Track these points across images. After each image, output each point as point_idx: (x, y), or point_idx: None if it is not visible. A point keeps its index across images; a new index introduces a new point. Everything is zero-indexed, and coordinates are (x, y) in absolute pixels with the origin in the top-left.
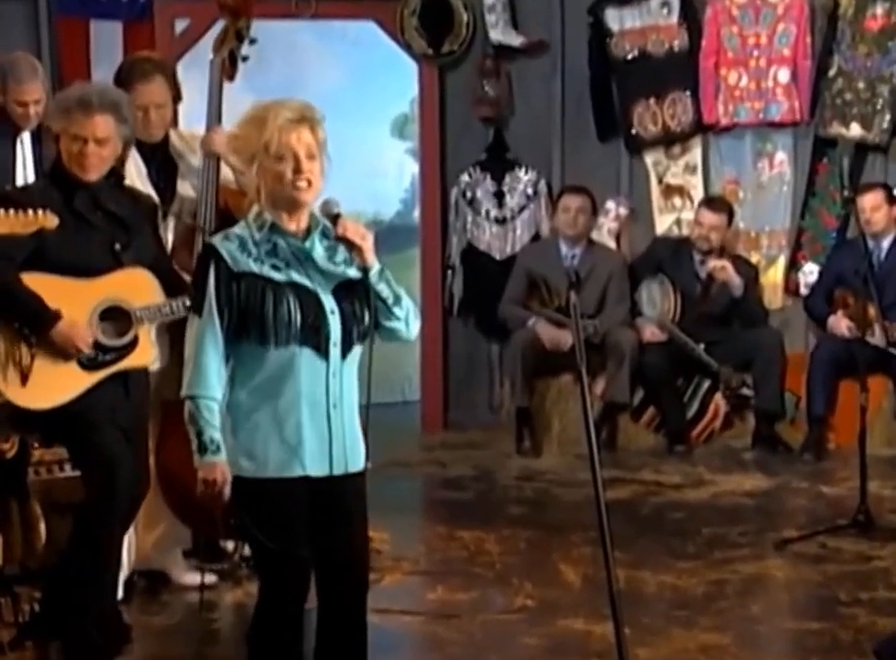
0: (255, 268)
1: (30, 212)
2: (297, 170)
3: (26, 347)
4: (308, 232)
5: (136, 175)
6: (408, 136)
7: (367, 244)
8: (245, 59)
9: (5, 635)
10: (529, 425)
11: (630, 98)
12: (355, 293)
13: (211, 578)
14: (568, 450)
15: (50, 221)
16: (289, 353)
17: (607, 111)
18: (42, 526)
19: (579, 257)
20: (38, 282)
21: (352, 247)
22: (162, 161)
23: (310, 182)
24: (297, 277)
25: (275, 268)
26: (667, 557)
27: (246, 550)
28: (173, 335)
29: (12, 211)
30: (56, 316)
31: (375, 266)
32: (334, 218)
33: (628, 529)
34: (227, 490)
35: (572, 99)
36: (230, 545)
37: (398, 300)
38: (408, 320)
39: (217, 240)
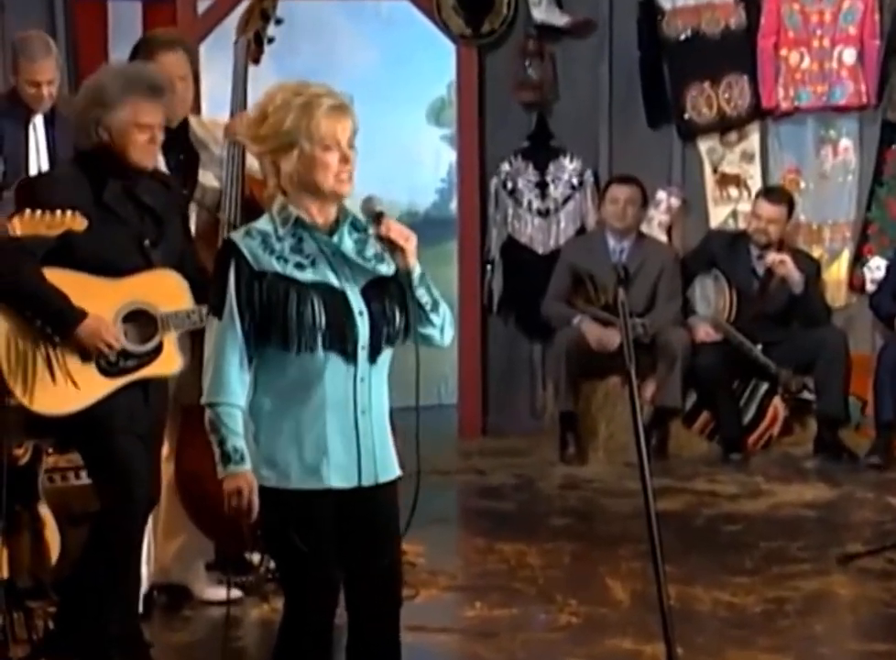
0: (278, 267)
1: (58, 212)
2: (344, 161)
3: (48, 349)
4: (335, 225)
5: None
6: (444, 122)
7: (411, 246)
8: (271, 40)
9: (19, 653)
10: (573, 431)
11: (683, 81)
12: (385, 292)
13: (235, 593)
14: (615, 458)
15: (79, 223)
16: (313, 358)
17: (658, 95)
18: (56, 537)
19: (628, 251)
20: (59, 279)
21: (394, 248)
22: (182, 150)
23: (350, 174)
24: (323, 276)
25: (299, 266)
26: (722, 573)
27: (272, 563)
28: (194, 336)
29: (39, 211)
30: (81, 314)
31: (416, 269)
32: (377, 216)
33: (679, 542)
34: (255, 501)
35: (620, 82)
36: (255, 558)
37: (436, 305)
38: (443, 327)
39: (238, 236)
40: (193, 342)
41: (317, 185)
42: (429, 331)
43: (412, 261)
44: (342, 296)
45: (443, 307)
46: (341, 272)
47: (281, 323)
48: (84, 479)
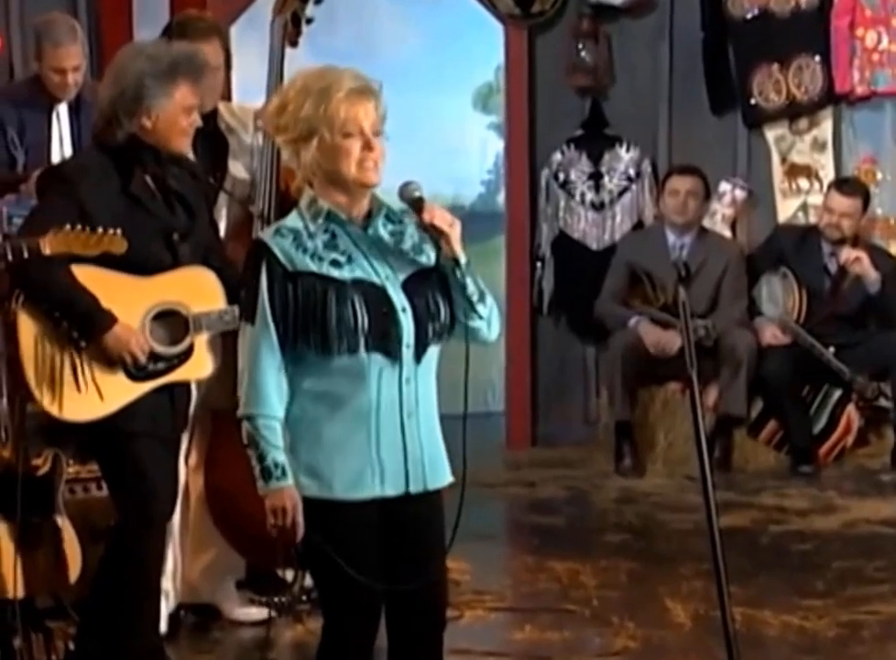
0: (313, 266)
1: (99, 230)
2: (367, 148)
3: (74, 353)
4: (368, 217)
5: None
6: (492, 108)
7: (456, 232)
8: (309, 21)
9: None
10: (629, 441)
11: (749, 64)
12: (428, 285)
13: (266, 613)
14: (675, 470)
15: (118, 245)
16: (355, 360)
17: (723, 79)
18: (77, 553)
19: (689, 247)
20: (88, 277)
21: (439, 235)
22: (211, 138)
23: (376, 162)
24: (361, 272)
25: (335, 264)
26: (791, 595)
27: (308, 580)
28: (226, 335)
29: (79, 227)
30: (111, 319)
31: (462, 257)
32: (417, 203)
33: (745, 561)
34: (300, 519)
35: (681, 65)
36: (289, 575)
37: (482, 296)
38: (490, 320)
39: (268, 236)
40: (225, 342)
41: (340, 175)
42: (476, 324)
43: (458, 248)
44: (382, 293)
45: (490, 299)
46: (380, 267)
47: (320, 325)
48: (106, 491)
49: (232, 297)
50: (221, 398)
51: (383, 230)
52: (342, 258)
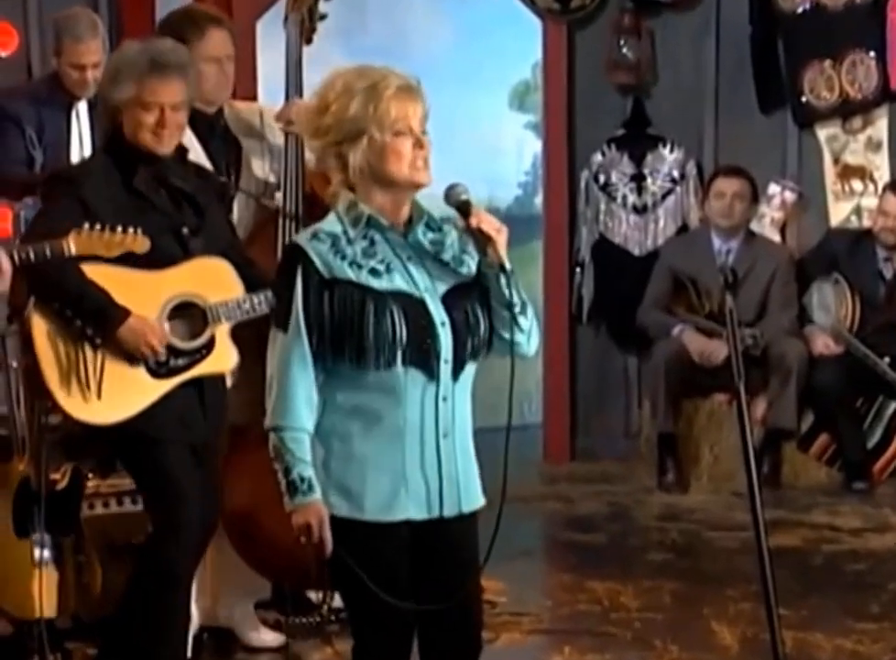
0: (351, 274)
1: (118, 230)
2: (418, 146)
3: (91, 351)
4: (409, 224)
5: (191, 153)
6: (529, 107)
7: (503, 239)
8: (323, 17)
9: None
10: (673, 455)
11: (800, 60)
12: (468, 298)
13: (282, 640)
14: (721, 486)
15: (140, 244)
16: (391, 375)
17: (772, 76)
18: (97, 570)
19: (735, 252)
20: (98, 274)
21: (486, 241)
22: (223, 137)
23: (426, 161)
24: (400, 282)
25: (374, 272)
26: (844, 617)
27: (337, 601)
28: (240, 345)
29: (97, 228)
30: (124, 314)
31: (507, 266)
32: (464, 206)
33: (796, 582)
34: (328, 536)
35: (728, 62)
36: (316, 595)
37: (524, 308)
38: (531, 333)
39: (304, 240)
40: (241, 354)
41: (391, 176)
42: (517, 337)
43: (504, 256)
44: (421, 305)
45: (531, 311)
46: (419, 278)
47: (356, 337)
48: (128, 506)
49: (249, 287)
50: (238, 413)
51: (423, 238)
52: (380, 267)
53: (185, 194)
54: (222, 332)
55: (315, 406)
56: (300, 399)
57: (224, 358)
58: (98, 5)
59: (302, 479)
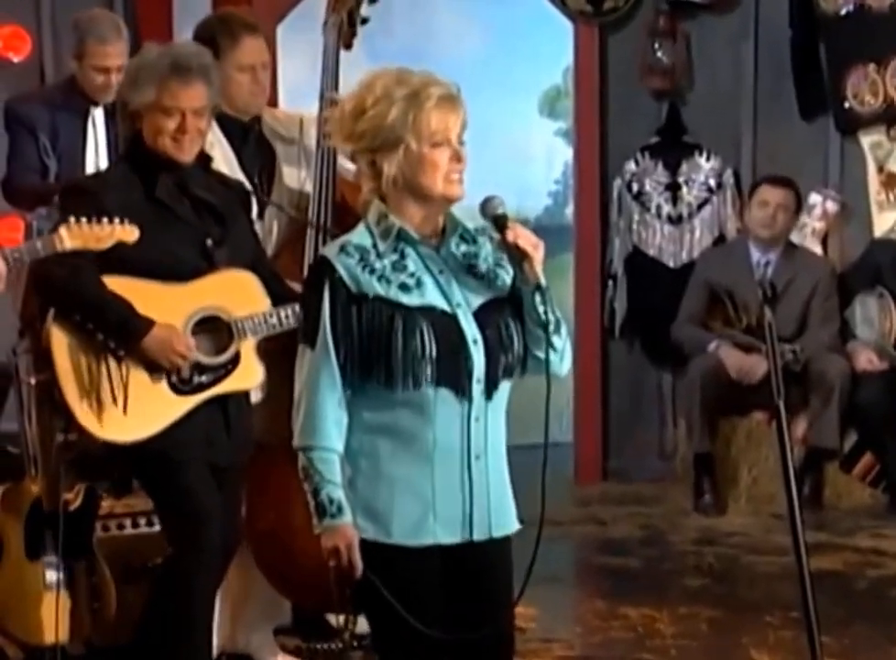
0: (380, 289)
1: (104, 222)
2: (455, 159)
3: (114, 366)
4: (441, 237)
5: (223, 161)
6: (560, 113)
7: (539, 255)
8: (364, 21)
9: None
10: (710, 476)
11: (843, 64)
12: (502, 314)
13: None
14: (760, 508)
15: (129, 234)
16: (420, 394)
17: (813, 81)
18: (112, 594)
19: (775, 264)
20: (118, 287)
21: (522, 257)
22: (256, 145)
23: (461, 175)
24: (431, 298)
25: (404, 288)
26: (889, 645)
27: (361, 626)
28: (266, 360)
29: (84, 221)
30: (148, 324)
31: (543, 282)
32: (500, 220)
33: (838, 609)
34: (357, 560)
35: (767, 66)
36: (339, 620)
37: (558, 326)
38: (564, 351)
39: (332, 253)
40: (268, 369)
41: (425, 188)
42: (550, 356)
43: (541, 273)
44: (453, 321)
45: (565, 329)
46: (451, 293)
47: (385, 354)
48: (143, 528)
49: (275, 300)
50: (265, 429)
51: (456, 250)
52: (410, 282)
53: (208, 204)
54: (247, 347)
55: (343, 424)
56: (329, 418)
57: (249, 375)
58: (114, 8)
59: (331, 501)
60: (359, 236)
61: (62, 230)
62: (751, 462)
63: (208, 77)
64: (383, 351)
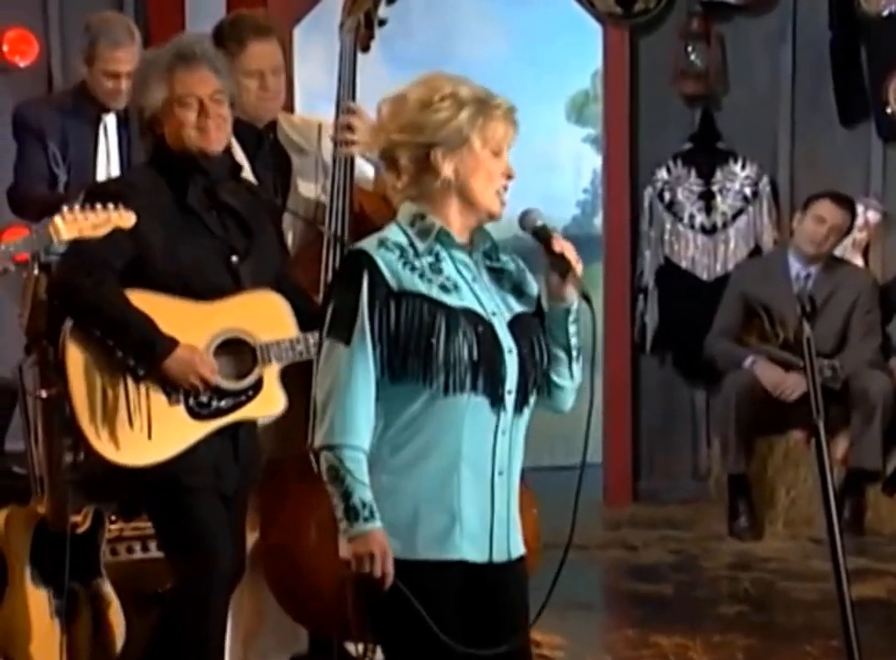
0: (422, 287)
1: (98, 208)
2: (507, 175)
3: (131, 385)
4: (470, 248)
5: None
6: (588, 119)
7: (580, 269)
8: (382, 23)
9: None
10: (746, 498)
11: (885, 68)
12: (533, 329)
13: None
14: (799, 531)
15: (126, 219)
16: (454, 401)
17: (854, 85)
18: (121, 622)
19: (815, 277)
20: (141, 302)
21: (568, 269)
22: (272, 153)
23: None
24: (470, 303)
25: (444, 289)
26: None
27: (380, 655)
28: (284, 378)
29: (77, 208)
30: (171, 343)
31: (575, 301)
32: (542, 232)
33: (881, 637)
34: (390, 568)
35: (805, 70)
36: (356, 649)
37: (580, 353)
38: (577, 383)
39: (371, 246)
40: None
41: (475, 195)
42: (565, 383)
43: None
44: (490, 329)
45: (581, 362)
46: (486, 301)
47: (424, 354)
48: (153, 552)
49: (304, 326)
50: (277, 445)
51: (483, 266)
52: (448, 284)
53: (235, 214)
54: (271, 373)
55: (372, 427)
56: (361, 416)
57: (271, 403)
58: (124, 10)
59: (364, 504)
60: (395, 233)
61: (57, 219)
62: (789, 484)
63: (213, 64)
64: (421, 351)
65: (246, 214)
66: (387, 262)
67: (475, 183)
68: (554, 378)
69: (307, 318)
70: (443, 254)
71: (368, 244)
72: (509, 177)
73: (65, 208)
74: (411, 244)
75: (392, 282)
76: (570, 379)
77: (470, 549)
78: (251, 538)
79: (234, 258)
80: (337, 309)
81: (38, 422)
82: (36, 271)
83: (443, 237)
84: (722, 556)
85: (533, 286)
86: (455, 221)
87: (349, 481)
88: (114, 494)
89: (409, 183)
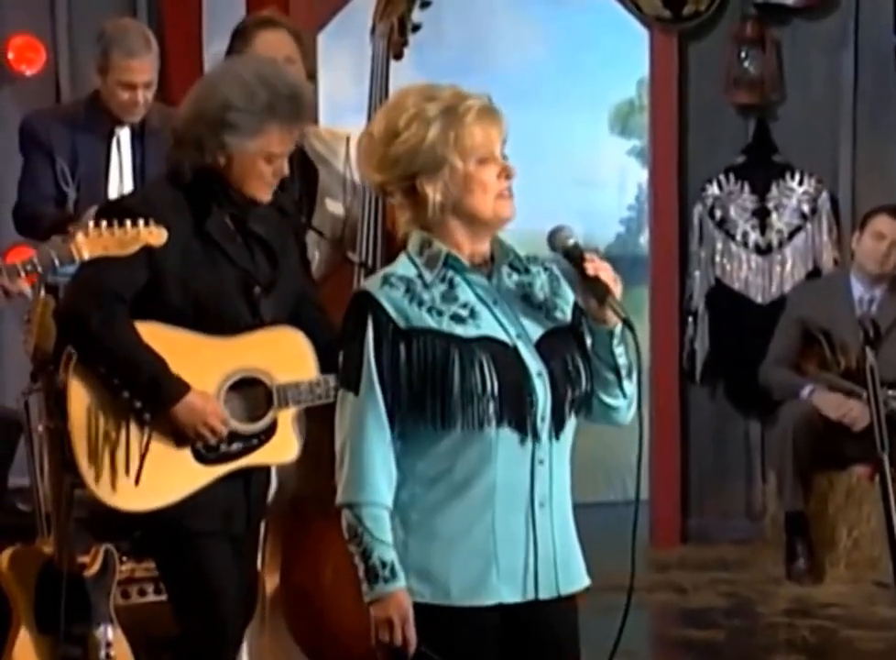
0: (431, 321)
1: (128, 224)
2: (505, 175)
3: (136, 428)
4: (491, 264)
5: None
6: (633, 131)
7: (619, 290)
8: (416, 28)
9: None
10: (804, 538)
11: None
12: (566, 345)
13: None
14: (862, 574)
15: (156, 236)
16: (481, 436)
17: None
18: None
19: (879, 300)
20: (152, 335)
21: (606, 293)
22: (297, 165)
23: (511, 192)
24: (489, 329)
25: (457, 319)
26: None
27: None
28: (309, 410)
29: (104, 224)
30: (182, 388)
31: (618, 323)
32: (574, 252)
33: None
34: (412, 634)
35: (868, 77)
36: None
37: (631, 371)
38: (632, 398)
39: (374, 286)
40: (306, 412)
41: (474, 210)
42: (618, 402)
43: (619, 311)
44: (514, 354)
45: (635, 374)
46: (509, 324)
47: (441, 392)
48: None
49: (325, 361)
50: (302, 482)
51: (508, 280)
52: (464, 312)
53: (260, 241)
54: (285, 417)
55: (393, 477)
56: (378, 469)
57: (284, 448)
58: (137, 15)
59: (384, 564)
60: (402, 266)
61: (80, 236)
62: (851, 523)
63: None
64: (438, 389)
65: (274, 240)
66: (392, 301)
67: (471, 200)
68: (605, 398)
69: (327, 351)
70: (458, 279)
71: (372, 283)
72: (508, 176)
73: (90, 223)
74: (420, 275)
75: (399, 321)
76: (622, 398)
77: (508, 590)
78: (270, 582)
79: (257, 290)
80: (346, 357)
81: (43, 455)
82: (42, 293)
83: (454, 263)
84: (778, 601)
85: (568, 295)
86: (464, 242)
87: (367, 540)
88: (126, 532)
89: (410, 217)
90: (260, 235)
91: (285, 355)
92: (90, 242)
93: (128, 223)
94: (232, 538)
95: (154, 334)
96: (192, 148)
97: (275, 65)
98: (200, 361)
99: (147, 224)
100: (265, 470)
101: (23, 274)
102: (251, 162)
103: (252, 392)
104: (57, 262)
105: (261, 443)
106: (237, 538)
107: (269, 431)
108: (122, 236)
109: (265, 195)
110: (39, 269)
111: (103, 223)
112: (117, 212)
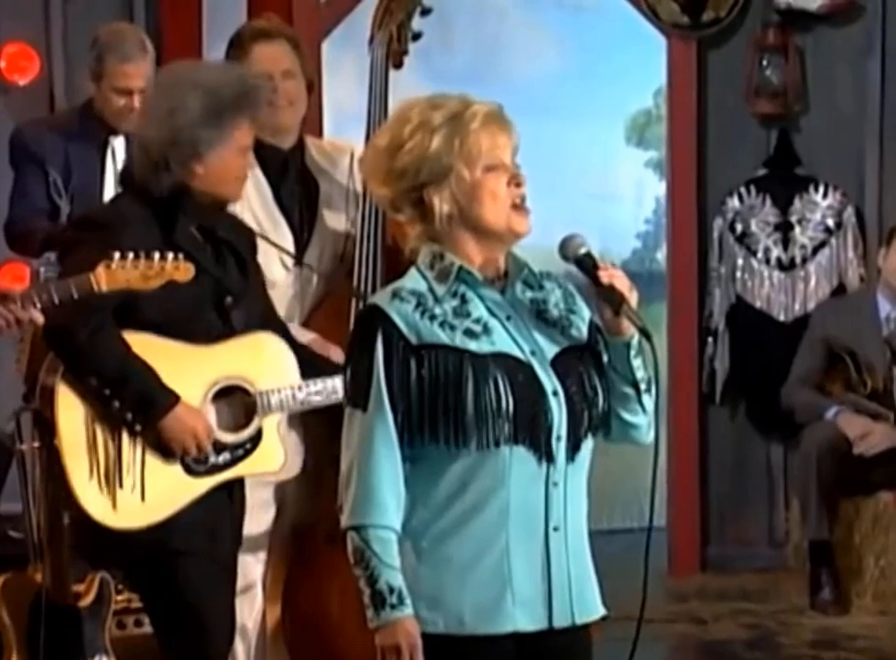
0: (444, 337)
1: (156, 258)
2: (516, 184)
3: (126, 441)
4: (504, 279)
5: (256, 196)
6: (651, 142)
7: (634, 298)
8: (416, 37)
9: None
10: (829, 567)
11: None
12: (582, 363)
13: None
14: (890, 606)
15: (184, 272)
16: (494, 455)
17: None
18: None
19: None
20: (139, 345)
21: (621, 302)
22: (297, 179)
23: (525, 202)
24: (503, 345)
25: (470, 334)
26: None
27: None
28: (309, 431)
29: (131, 257)
30: (174, 398)
31: (635, 334)
32: (587, 261)
33: None
34: None
35: (895, 86)
36: None
37: (650, 385)
38: (651, 415)
39: (384, 300)
40: (310, 439)
41: (485, 221)
42: (637, 419)
43: (636, 321)
44: (529, 371)
45: (654, 389)
46: (523, 340)
47: (454, 410)
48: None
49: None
50: (300, 509)
51: (522, 296)
52: (477, 328)
53: (230, 247)
54: (270, 424)
55: (402, 499)
56: (386, 491)
57: (269, 457)
58: (135, 21)
59: (391, 589)
60: (412, 280)
61: (101, 269)
62: (878, 551)
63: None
64: (451, 406)
65: (243, 249)
66: (402, 315)
67: (481, 209)
68: (624, 415)
69: (300, 367)
70: (470, 294)
71: (381, 298)
72: (519, 184)
73: (116, 255)
74: (431, 289)
75: (410, 336)
76: (642, 414)
77: (524, 617)
78: (272, 612)
79: (229, 300)
80: (353, 373)
81: (35, 479)
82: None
83: (466, 276)
84: (803, 633)
85: (584, 312)
86: (476, 256)
87: (374, 564)
88: (120, 558)
89: (420, 231)
90: (230, 241)
91: (265, 360)
92: (110, 274)
93: (156, 256)
94: (218, 561)
95: (139, 343)
96: (163, 168)
97: (215, 64)
98: (184, 370)
99: (175, 258)
100: (243, 487)
101: (38, 304)
102: (229, 163)
103: (234, 400)
104: (76, 296)
105: (248, 452)
106: (223, 560)
107: (255, 439)
108: (146, 269)
109: (239, 194)
110: (56, 300)
111: (130, 255)
112: (89, 224)
